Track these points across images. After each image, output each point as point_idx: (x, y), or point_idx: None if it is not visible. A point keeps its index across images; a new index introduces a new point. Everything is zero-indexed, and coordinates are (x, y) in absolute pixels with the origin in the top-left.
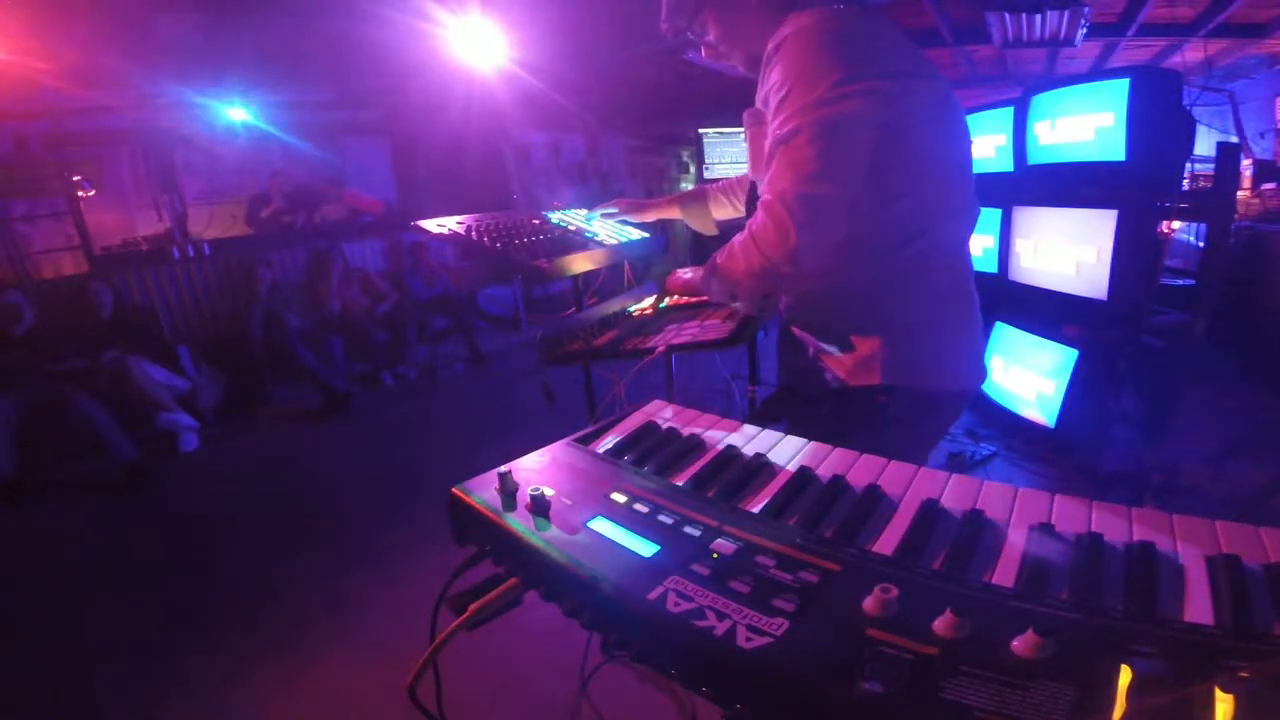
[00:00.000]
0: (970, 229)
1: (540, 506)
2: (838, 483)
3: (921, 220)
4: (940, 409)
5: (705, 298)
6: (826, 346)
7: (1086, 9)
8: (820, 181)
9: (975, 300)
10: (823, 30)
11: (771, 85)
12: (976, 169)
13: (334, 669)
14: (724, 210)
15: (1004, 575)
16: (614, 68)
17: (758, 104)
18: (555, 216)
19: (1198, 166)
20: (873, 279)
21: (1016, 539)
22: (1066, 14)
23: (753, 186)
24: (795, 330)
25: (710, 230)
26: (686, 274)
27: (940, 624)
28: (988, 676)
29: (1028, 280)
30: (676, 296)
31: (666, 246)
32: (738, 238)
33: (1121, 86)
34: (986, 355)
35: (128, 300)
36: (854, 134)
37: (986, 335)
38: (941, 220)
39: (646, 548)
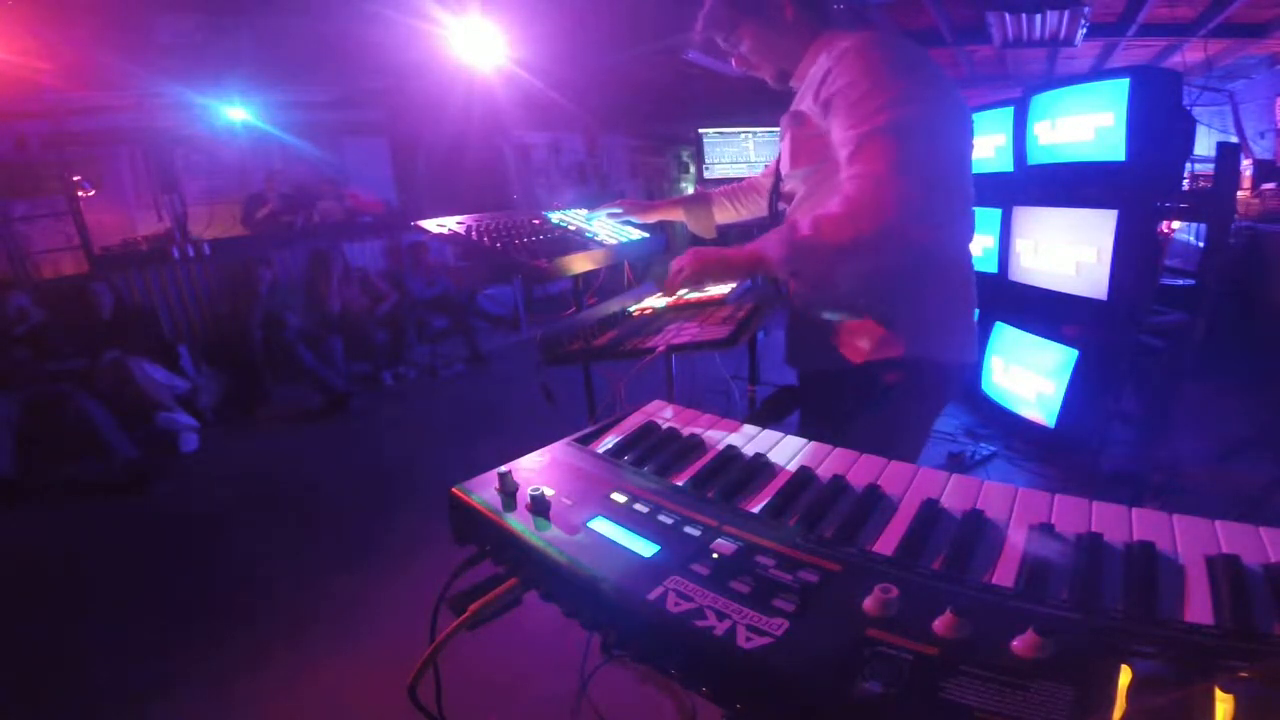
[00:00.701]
0: (973, 227)
1: (540, 506)
2: (838, 483)
3: (944, 214)
4: (947, 379)
5: (706, 293)
6: (859, 326)
7: (1086, 9)
8: (910, 169)
9: (974, 288)
10: (880, 45)
11: (838, 88)
12: (976, 169)
13: (334, 669)
14: (726, 214)
15: (1004, 575)
16: (614, 68)
17: (801, 108)
18: (555, 216)
19: (1198, 166)
20: (905, 264)
21: (1016, 539)
22: (1066, 14)
23: (776, 182)
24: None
25: (710, 234)
26: (706, 256)
27: (940, 624)
28: (988, 676)
29: (1028, 280)
30: (682, 294)
31: (666, 246)
32: (821, 214)
33: (1121, 86)
34: (986, 353)
35: (128, 300)
36: (922, 130)
37: (986, 333)
38: (956, 216)
39: (646, 548)
